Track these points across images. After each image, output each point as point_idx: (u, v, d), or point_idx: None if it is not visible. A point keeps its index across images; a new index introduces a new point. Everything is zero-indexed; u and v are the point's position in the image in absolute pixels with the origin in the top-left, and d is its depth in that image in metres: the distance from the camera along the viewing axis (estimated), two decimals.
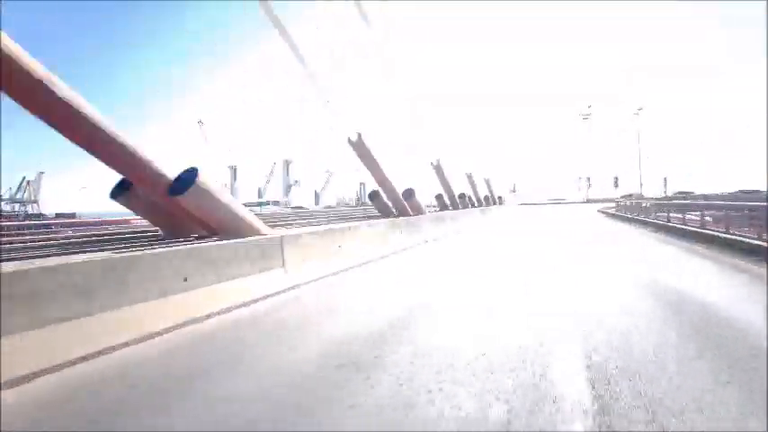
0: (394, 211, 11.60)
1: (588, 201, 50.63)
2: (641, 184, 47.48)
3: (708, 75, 71.00)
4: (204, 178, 4.57)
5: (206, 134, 70.25)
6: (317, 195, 66.43)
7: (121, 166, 4.50)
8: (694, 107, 70.40)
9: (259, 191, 72.23)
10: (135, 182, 4.77)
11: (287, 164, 64.90)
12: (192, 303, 3.13)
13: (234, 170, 73.82)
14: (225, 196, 4.87)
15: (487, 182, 27.94)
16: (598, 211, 23.39)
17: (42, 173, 48.18)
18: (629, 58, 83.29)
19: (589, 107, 51.29)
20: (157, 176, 4.63)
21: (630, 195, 41.96)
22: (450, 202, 17.24)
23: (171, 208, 4.83)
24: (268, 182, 72.44)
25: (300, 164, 67.92)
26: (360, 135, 10.40)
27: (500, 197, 28.90)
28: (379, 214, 12.02)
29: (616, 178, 53.31)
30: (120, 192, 5.08)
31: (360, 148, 10.42)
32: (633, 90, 61.84)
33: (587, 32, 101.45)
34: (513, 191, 54.13)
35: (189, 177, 4.58)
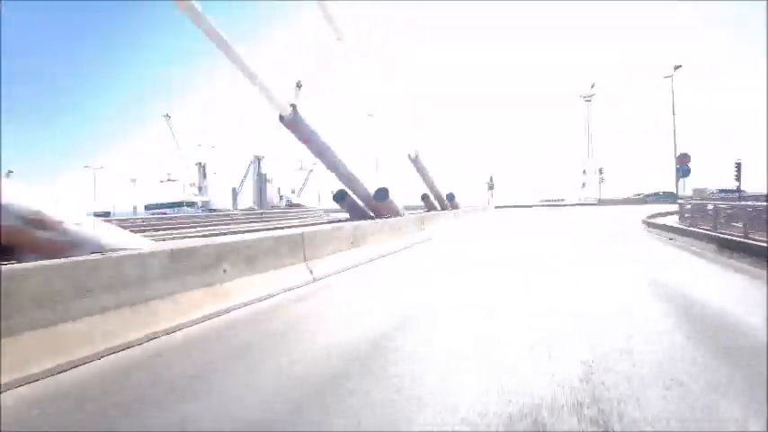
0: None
1: (601, 201, 49.09)
2: (678, 179, 41.95)
3: (707, 75, 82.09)
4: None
5: (173, 129, 72.93)
6: (234, 195, 72.65)
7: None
8: (693, 106, 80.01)
9: (233, 190, 77.50)
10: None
11: (257, 160, 70.40)
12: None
13: (203, 167, 78.53)
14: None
15: (414, 160, 18.93)
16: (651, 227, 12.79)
17: (11, 172, 52.83)
18: (629, 58, 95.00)
19: (592, 86, 59.90)
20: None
21: (657, 193, 42.92)
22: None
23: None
24: (243, 181, 77.43)
25: (277, 161, 69.60)
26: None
27: (450, 195, 21.83)
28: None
29: (684, 157, 40.45)
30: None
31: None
32: (633, 90, 70.80)
33: (586, 32, 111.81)
34: (491, 186, 47.07)
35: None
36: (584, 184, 58.79)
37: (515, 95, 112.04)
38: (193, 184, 78.73)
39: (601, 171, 51.54)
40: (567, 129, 62.76)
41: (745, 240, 7.27)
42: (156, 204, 60.91)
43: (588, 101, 61.57)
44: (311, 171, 71.03)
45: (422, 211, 17.18)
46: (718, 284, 5.32)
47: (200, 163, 79.13)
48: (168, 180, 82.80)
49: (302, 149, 11.55)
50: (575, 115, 61.27)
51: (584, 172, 59.28)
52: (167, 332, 3.61)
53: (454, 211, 18.95)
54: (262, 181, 69.85)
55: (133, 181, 74.30)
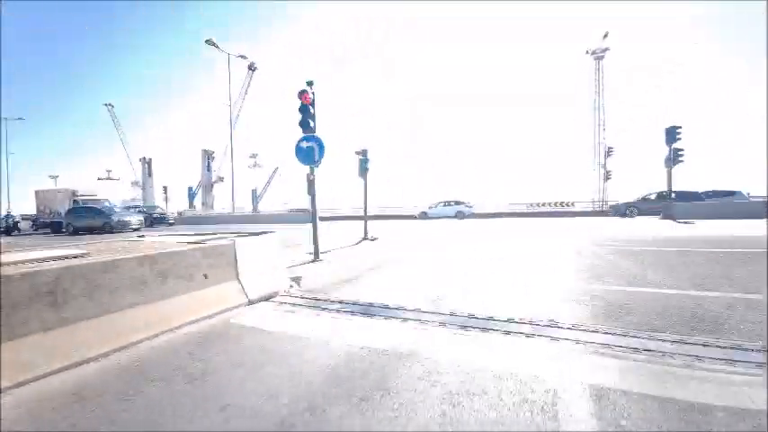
0: None
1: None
2: None
3: (707, 74, 79.15)
4: None
5: (116, 120, 66.52)
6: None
7: None
8: (692, 105, 78.67)
9: (189, 190, 69.22)
10: None
11: (207, 156, 61.81)
12: None
13: (147, 163, 68.67)
14: None
15: None
16: None
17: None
18: (628, 58, 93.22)
19: (605, 37, 45.51)
20: None
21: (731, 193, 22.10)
22: None
23: None
24: (201, 181, 68.19)
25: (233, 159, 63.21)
26: None
27: None
28: None
29: None
30: None
31: None
32: (633, 89, 61.58)
33: (584, 31, 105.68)
34: (362, 171, 16.03)
35: None
36: (608, 174, 40.48)
37: (515, 95, 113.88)
38: (136, 183, 69.41)
39: (675, 133, 19.80)
40: (571, 126, 51.67)
41: None
42: None
43: (600, 57, 46.98)
44: (276, 169, 61.28)
45: None
46: None
47: (144, 158, 68.65)
48: (108, 178, 73.14)
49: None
50: (583, 59, 48.07)
51: (608, 152, 40.61)
52: None
53: None
54: None
55: (54, 178, 64.02)
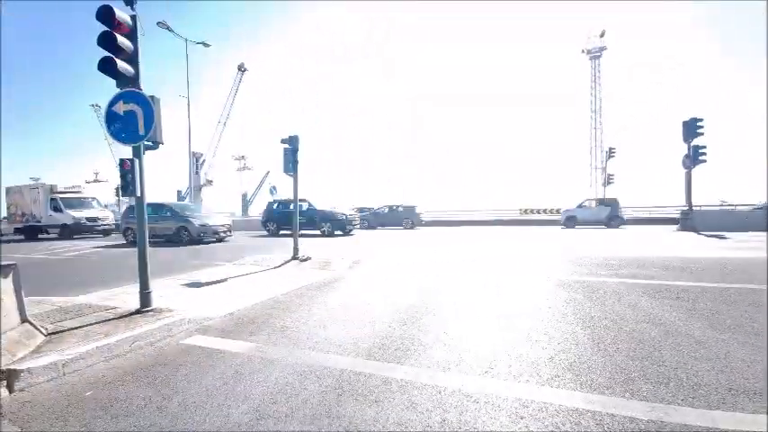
0: None
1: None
2: None
3: (706, 74, 74.74)
4: None
5: (102, 120, 63.16)
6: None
7: None
8: (691, 105, 75.23)
9: (178, 193, 66.52)
10: None
11: (196, 158, 58.40)
12: None
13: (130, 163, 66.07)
14: None
15: None
16: None
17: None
18: (629, 54, 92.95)
19: (602, 36, 42.05)
20: None
21: None
22: None
23: None
24: (190, 185, 65.15)
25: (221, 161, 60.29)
26: None
27: None
28: None
29: None
30: None
31: None
32: (633, 85, 59.66)
33: (585, 30, 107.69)
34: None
35: None
36: (609, 178, 28.21)
37: (515, 95, 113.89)
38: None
39: (696, 128, 16.26)
40: (571, 127, 47.80)
41: None
42: None
43: (597, 56, 43.53)
44: (268, 173, 57.95)
45: None
46: None
47: (132, 159, 65.06)
48: (95, 180, 69.96)
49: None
50: (579, 57, 44.57)
51: (609, 153, 28.52)
52: None
53: None
54: None
55: (35, 180, 59.94)
